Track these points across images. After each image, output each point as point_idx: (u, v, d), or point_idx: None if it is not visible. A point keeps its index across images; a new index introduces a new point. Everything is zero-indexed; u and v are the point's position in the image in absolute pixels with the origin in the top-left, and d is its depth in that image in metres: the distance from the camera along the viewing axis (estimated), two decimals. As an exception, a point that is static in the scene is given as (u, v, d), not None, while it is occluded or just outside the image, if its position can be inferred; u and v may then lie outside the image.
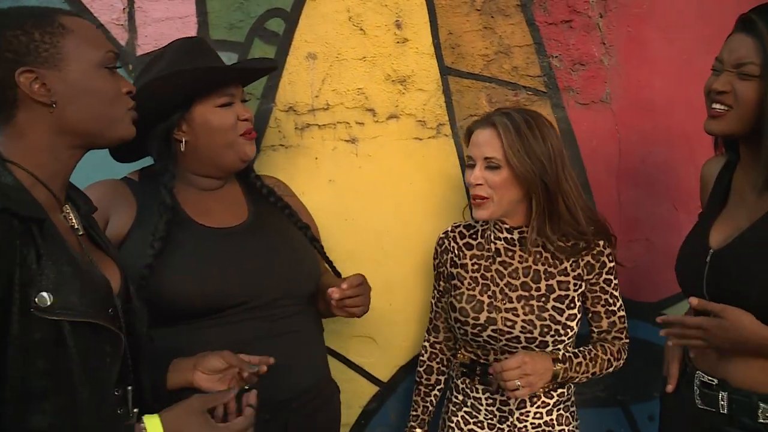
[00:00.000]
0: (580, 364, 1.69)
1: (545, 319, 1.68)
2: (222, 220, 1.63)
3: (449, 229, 1.87)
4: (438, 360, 1.91)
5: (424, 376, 1.92)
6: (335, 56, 2.01)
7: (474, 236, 1.83)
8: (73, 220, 1.21)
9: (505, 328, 1.69)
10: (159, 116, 1.56)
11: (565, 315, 1.69)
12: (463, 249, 1.82)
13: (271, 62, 1.82)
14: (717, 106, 1.40)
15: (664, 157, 2.05)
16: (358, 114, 2.04)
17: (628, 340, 1.81)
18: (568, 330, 1.70)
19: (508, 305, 1.71)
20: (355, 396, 2.12)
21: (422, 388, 1.93)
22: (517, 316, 1.69)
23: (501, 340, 1.70)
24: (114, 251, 1.31)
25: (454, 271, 1.81)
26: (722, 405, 1.40)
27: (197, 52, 1.64)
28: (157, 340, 1.39)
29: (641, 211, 2.08)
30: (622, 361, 1.79)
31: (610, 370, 1.76)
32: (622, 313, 1.78)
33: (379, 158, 2.06)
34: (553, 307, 1.69)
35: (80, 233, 1.22)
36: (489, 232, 1.79)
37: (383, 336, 2.12)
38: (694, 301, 1.37)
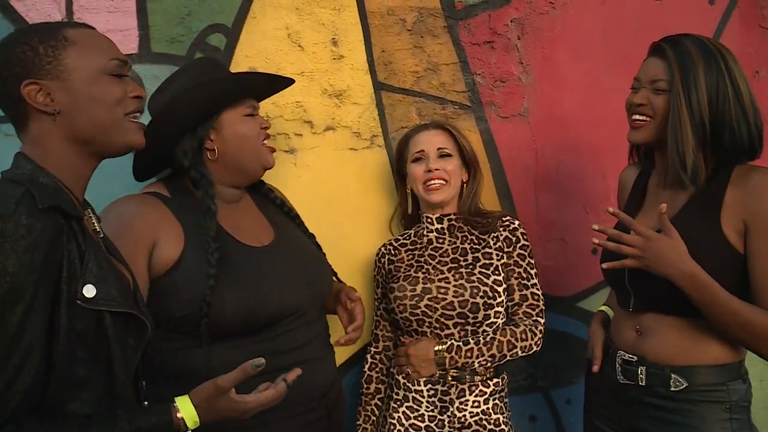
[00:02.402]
0: (471, 349, 1.82)
1: (474, 282, 1.86)
2: (257, 238, 1.68)
3: (385, 242, 2.06)
4: (377, 369, 2.04)
5: (364, 386, 2.05)
6: (275, 71, 2.08)
7: (407, 238, 2.03)
8: (95, 224, 1.26)
9: (440, 295, 1.86)
10: (189, 127, 1.60)
11: (491, 279, 1.87)
12: (399, 248, 2.01)
13: (289, 79, 1.86)
14: (637, 117, 1.61)
15: (575, 166, 2.27)
16: (296, 126, 2.12)
17: (540, 320, 1.89)
18: (496, 294, 1.86)
19: (441, 276, 1.90)
20: (296, 395, 2.20)
21: (363, 398, 2.05)
22: (449, 282, 1.87)
23: (437, 309, 1.86)
24: (122, 257, 1.35)
25: (392, 266, 1.99)
26: (641, 378, 1.59)
27: (216, 69, 1.72)
28: (214, 358, 1.49)
29: (556, 213, 2.29)
30: (531, 342, 1.86)
31: (516, 351, 1.84)
32: (537, 291, 1.91)
33: (317, 168, 2.15)
34: (480, 272, 1.88)
35: (101, 236, 1.27)
36: (420, 229, 2.00)
37: None
38: (663, 206, 1.46)
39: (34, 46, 1.15)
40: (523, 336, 1.85)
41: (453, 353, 1.83)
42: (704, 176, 1.53)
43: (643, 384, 1.59)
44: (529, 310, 1.90)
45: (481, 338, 1.84)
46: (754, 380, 1.61)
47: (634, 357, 1.61)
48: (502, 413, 1.90)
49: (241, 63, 2.08)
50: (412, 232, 2.04)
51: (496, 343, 1.83)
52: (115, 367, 1.15)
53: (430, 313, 1.87)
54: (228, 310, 1.53)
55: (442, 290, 1.87)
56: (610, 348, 1.70)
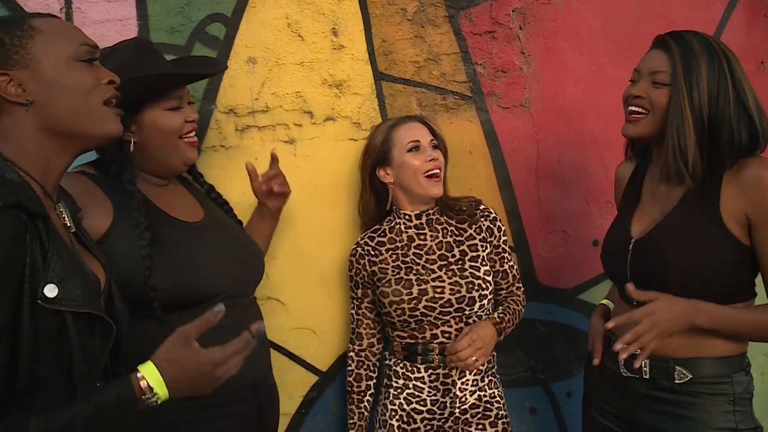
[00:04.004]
0: (509, 321, 1.93)
1: (467, 277, 1.88)
2: (187, 215, 1.68)
3: (358, 240, 2.02)
4: (365, 367, 2.03)
5: (355, 385, 2.03)
6: (274, 61, 2.08)
7: (382, 234, 2.00)
8: (66, 219, 1.24)
9: (437, 295, 1.87)
10: None
11: (482, 270, 1.91)
12: (377, 247, 1.98)
13: (216, 64, 1.83)
14: (634, 108, 1.59)
15: (577, 157, 2.26)
16: (296, 116, 2.11)
17: (523, 288, 2.06)
18: (488, 284, 1.91)
19: (434, 275, 1.89)
20: (295, 386, 2.19)
21: (355, 396, 2.03)
22: (444, 281, 1.88)
23: (435, 308, 1.86)
24: (98, 251, 1.33)
25: (375, 268, 1.96)
26: (645, 371, 1.58)
27: (143, 55, 1.65)
28: (140, 332, 1.43)
29: (557, 205, 2.27)
30: (523, 310, 2.04)
31: (519, 319, 2.01)
32: (516, 266, 2.04)
33: (317, 158, 2.14)
34: (471, 266, 1.90)
35: (72, 231, 1.24)
36: (397, 226, 1.98)
37: (321, 327, 2.20)
38: (630, 287, 1.48)
39: (0, 38, 1.13)
40: (522, 303, 2.03)
41: (503, 324, 1.90)
42: (700, 174, 1.52)
43: (647, 377, 1.58)
44: (519, 285, 2.04)
45: (507, 311, 1.95)
46: (755, 373, 1.61)
47: (637, 350, 1.59)
48: (497, 387, 1.97)
49: (240, 52, 2.07)
50: (386, 227, 2.01)
51: (517, 313, 1.98)
52: (74, 368, 1.12)
53: (428, 313, 1.87)
54: (157, 282, 1.52)
55: (438, 290, 1.87)
56: (612, 341, 1.68)
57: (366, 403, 2.04)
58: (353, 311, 2.04)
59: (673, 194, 1.59)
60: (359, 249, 2.00)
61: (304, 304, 2.17)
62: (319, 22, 2.09)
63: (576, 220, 2.28)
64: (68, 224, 1.24)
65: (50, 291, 1.07)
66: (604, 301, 1.84)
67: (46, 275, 1.08)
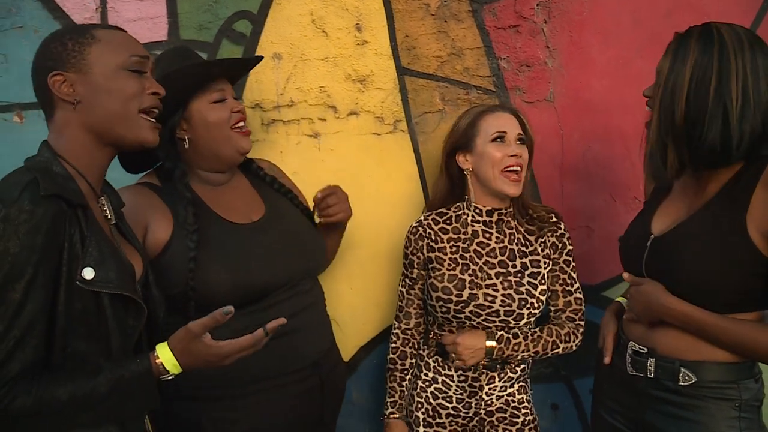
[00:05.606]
0: (519, 343, 1.83)
1: (522, 293, 1.83)
2: (246, 215, 1.76)
3: (422, 218, 1.96)
4: (410, 345, 2.00)
5: (399, 362, 2.00)
6: (299, 56, 2.13)
7: (448, 222, 1.94)
8: (107, 211, 1.36)
9: (486, 303, 1.82)
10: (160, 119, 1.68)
11: (538, 290, 1.85)
12: (439, 234, 1.92)
13: (254, 58, 1.90)
14: (648, 110, 1.56)
15: (602, 153, 2.22)
16: (320, 111, 2.15)
17: (582, 323, 1.92)
18: (540, 304, 1.85)
19: (488, 281, 1.84)
20: (318, 375, 2.24)
21: (397, 374, 2.00)
22: (497, 291, 1.83)
23: (481, 315, 1.83)
24: (138, 242, 1.45)
25: (432, 255, 1.90)
26: (650, 370, 1.56)
27: (185, 58, 1.75)
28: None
29: (582, 201, 2.24)
30: (572, 344, 1.91)
31: (558, 351, 1.89)
32: (579, 295, 1.92)
33: (340, 152, 2.18)
34: (528, 282, 1.84)
35: (112, 222, 1.37)
36: (465, 217, 1.91)
37: (344, 319, 2.25)
38: (625, 275, 1.62)
39: (65, 42, 1.27)
40: (567, 338, 1.90)
41: (503, 344, 1.83)
42: (674, 172, 1.50)
43: (652, 376, 1.56)
44: (572, 315, 1.92)
45: (528, 334, 1.85)
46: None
47: (645, 348, 1.58)
48: (525, 393, 1.94)
49: (266, 49, 2.12)
50: (452, 215, 1.94)
51: (542, 341, 1.86)
52: (112, 344, 1.25)
53: (473, 317, 1.84)
54: (213, 286, 1.60)
55: (489, 298, 1.82)
56: (621, 338, 1.67)
57: (408, 382, 2.00)
58: (403, 289, 1.99)
59: (703, 195, 1.53)
60: (420, 229, 1.93)
61: (327, 296, 2.19)
62: (342, 17, 2.12)
63: (601, 215, 2.24)
64: (109, 216, 1.37)
65: (88, 273, 1.20)
66: (620, 299, 1.82)
67: (84, 259, 1.20)
